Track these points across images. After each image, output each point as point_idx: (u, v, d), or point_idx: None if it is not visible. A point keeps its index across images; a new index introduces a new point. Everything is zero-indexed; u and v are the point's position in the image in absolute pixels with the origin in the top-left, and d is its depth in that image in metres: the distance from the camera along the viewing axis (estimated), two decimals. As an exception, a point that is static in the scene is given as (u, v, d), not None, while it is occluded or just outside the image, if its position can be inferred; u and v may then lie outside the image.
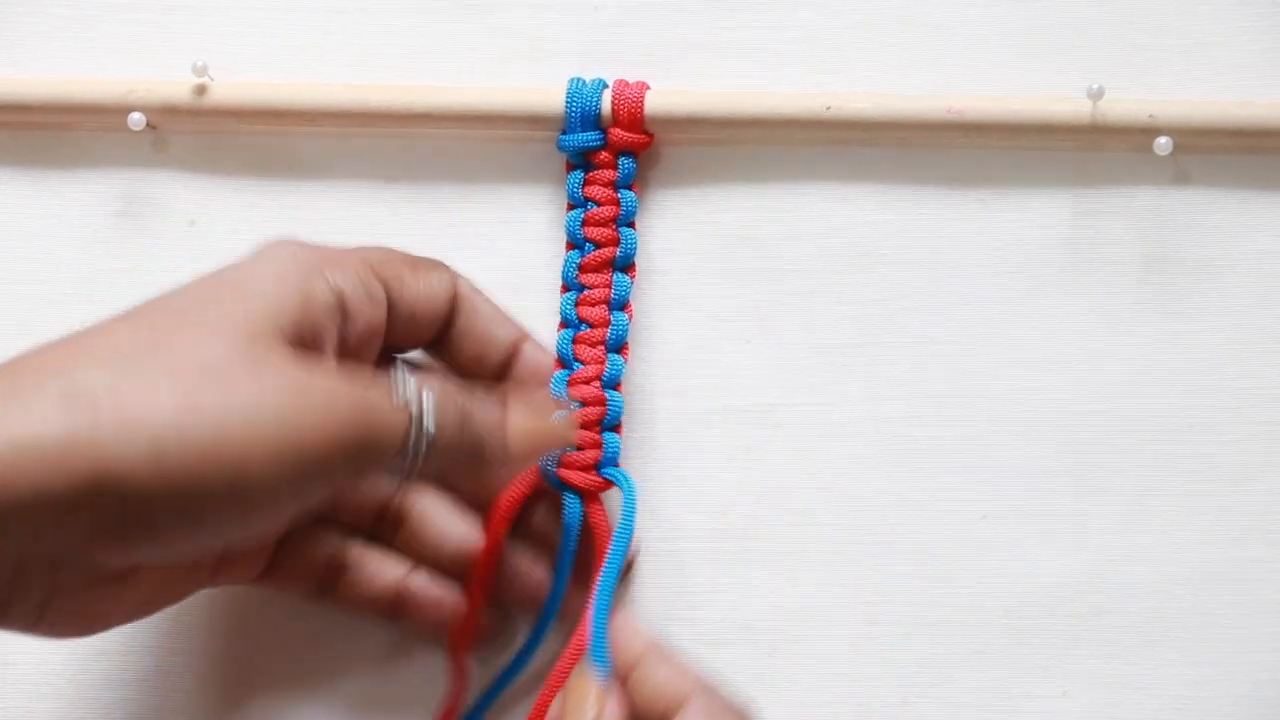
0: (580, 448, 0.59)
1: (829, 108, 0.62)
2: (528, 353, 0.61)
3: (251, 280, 0.53)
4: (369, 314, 0.56)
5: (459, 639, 0.59)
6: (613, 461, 0.60)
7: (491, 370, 0.60)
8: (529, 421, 0.57)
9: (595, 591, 0.57)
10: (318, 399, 0.51)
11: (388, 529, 0.60)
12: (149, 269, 0.63)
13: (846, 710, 0.61)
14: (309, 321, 0.53)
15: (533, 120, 0.62)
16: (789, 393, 0.62)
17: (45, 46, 0.64)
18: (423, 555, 0.60)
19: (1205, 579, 0.61)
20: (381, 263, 0.58)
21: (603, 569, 0.57)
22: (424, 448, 0.53)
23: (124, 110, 0.62)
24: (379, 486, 0.59)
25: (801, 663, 0.61)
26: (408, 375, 0.54)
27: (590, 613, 0.56)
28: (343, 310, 0.55)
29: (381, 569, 0.59)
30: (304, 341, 0.53)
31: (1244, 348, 0.62)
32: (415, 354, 0.60)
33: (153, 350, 0.50)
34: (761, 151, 0.63)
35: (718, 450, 0.62)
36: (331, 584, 0.59)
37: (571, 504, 0.60)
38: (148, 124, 0.62)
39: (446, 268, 0.60)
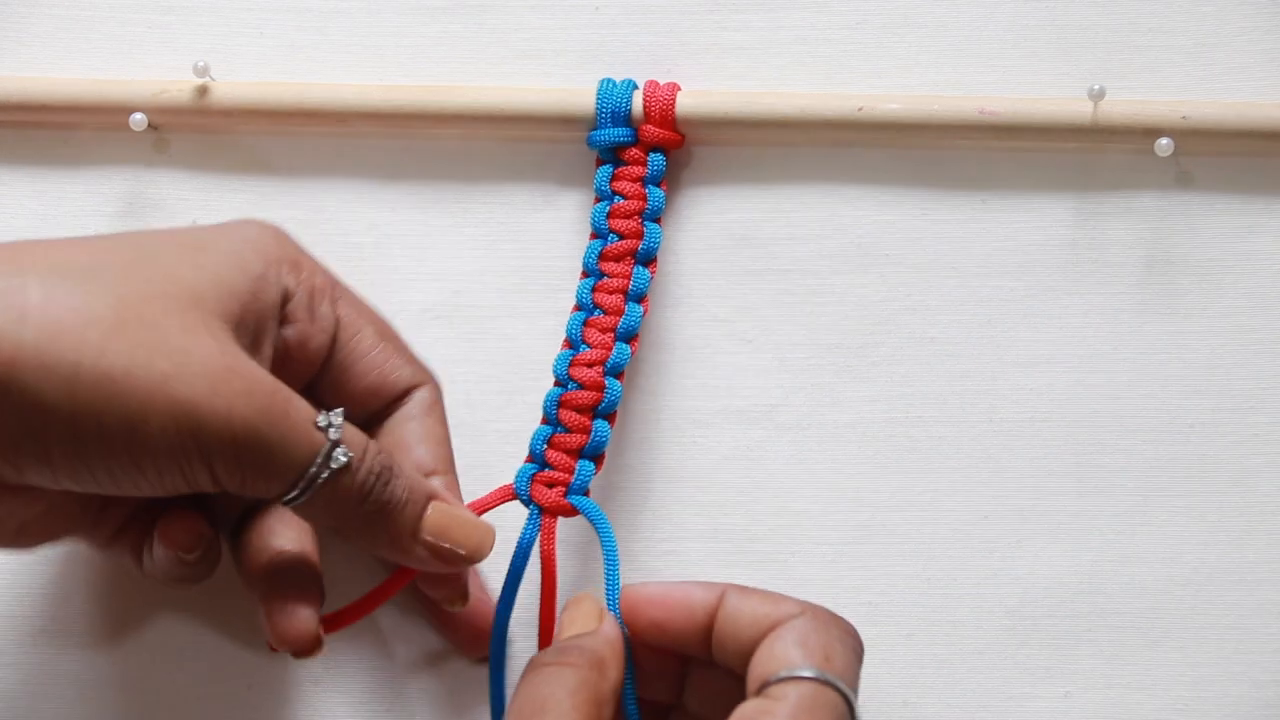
0: (554, 468, 0.58)
1: (860, 108, 0.62)
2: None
3: (213, 253, 0.53)
4: (306, 329, 0.56)
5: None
6: (582, 490, 0.59)
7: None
8: (454, 512, 0.55)
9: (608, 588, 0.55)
10: (237, 380, 0.50)
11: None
12: (151, 269, 0.63)
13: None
14: (252, 313, 0.53)
15: (552, 121, 0.62)
16: (790, 393, 0.62)
17: (48, 47, 0.64)
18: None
19: (1205, 579, 0.62)
20: (351, 304, 0.57)
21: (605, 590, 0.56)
22: (325, 476, 0.51)
23: (126, 110, 0.62)
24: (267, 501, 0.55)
25: (802, 663, 0.61)
26: (341, 415, 0.52)
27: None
28: (282, 313, 0.55)
29: (265, 540, 0.56)
30: (244, 331, 0.52)
31: (1245, 349, 0.62)
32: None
33: (95, 277, 0.49)
34: (761, 153, 0.63)
35: (718, 450, 0.62)
36: (212, 553, 0.56)
37: (531, 520, 0.58)
38: (149, 124, 0.62)
39: (424, 377, 0.58)
